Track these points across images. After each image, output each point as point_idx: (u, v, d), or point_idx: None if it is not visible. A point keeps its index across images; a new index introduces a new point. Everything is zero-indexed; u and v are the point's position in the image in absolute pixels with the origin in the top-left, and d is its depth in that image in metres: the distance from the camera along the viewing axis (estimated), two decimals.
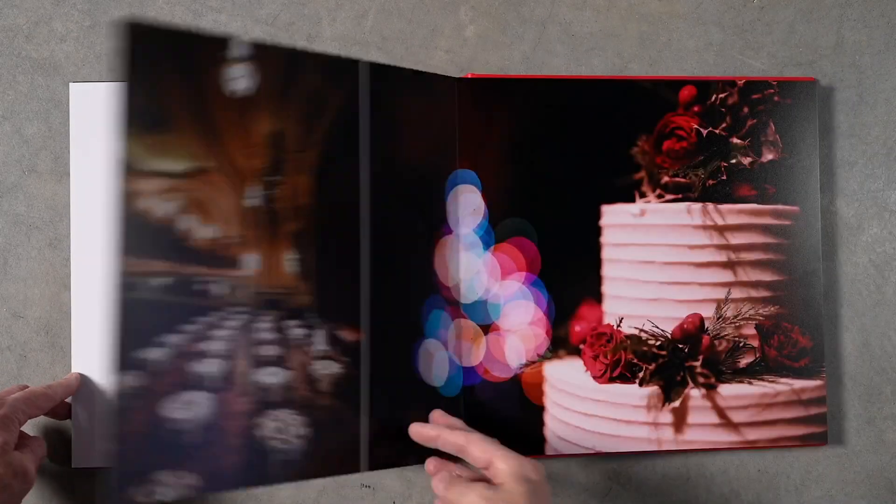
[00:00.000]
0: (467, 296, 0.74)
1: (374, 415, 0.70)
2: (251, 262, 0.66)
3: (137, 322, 0.61)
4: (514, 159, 0.74)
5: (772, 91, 0.76)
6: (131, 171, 0.61)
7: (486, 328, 0.74)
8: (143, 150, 0.61)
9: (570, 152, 0.75)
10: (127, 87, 0.60)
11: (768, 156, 0.76)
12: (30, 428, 0.72)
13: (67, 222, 0.74)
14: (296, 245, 0.67)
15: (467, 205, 0.74)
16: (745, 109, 0.76)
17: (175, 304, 0.63)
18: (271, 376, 0.66)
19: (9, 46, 0.75)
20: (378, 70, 0.71)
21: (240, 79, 0.65)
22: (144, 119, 0.60)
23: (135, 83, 0.60)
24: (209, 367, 0.64)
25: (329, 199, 0.69)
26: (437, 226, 0.73)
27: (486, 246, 0.74)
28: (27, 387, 0.68)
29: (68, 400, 0.72)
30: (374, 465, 0.70)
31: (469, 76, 0.75)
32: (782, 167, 0.76)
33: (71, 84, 0.74)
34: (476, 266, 0.74)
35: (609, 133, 0.75)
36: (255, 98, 0.65)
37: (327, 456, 0.67)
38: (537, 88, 0.75)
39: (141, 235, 0.61)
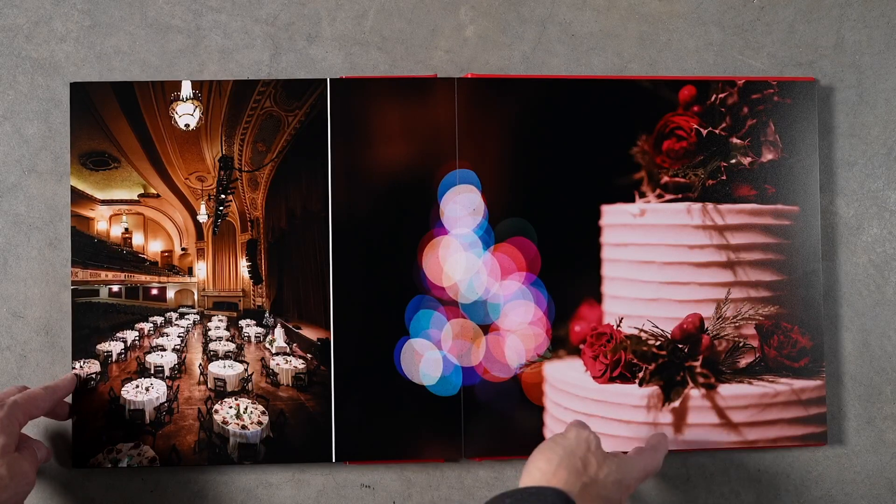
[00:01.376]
0: (467, 296, 0.74)
1: (343, 409, 0.73)
2: (203, 270, 0.75)
3: (96, 320, 0.72)
4: (514, 159, 0.75)
5: (771, 91, 0.76)
6: (84, 200, 0.74)
7: (486, 328, 0.74)
8: (92, 186, 0.74)
9: (569, 152, 0.75)
10: (72, 136, 0.73)
11: (768, 156, 0.76)
12: (30, 429, 0.72)
13: (67, 222, 0.74)
14: (249, 253, 0.74)
15: (467, 205, 0.74)
16: (745, 109, 0.76)
17: (130, 306, 0.74)
18: (227, 368, 0.74)
19: (9, 46, 0.75)
20: (345, 84, 0.74)
21: (186, 115, 0.73)
22: (93, 160, 0.73)
23: (81, 132, 0.73)
24: (165, 359, 0.74)
25: (288, 210, 0.74)
26: (425, 227, 0.73)
27: (486, 246, 0.74)
28: (27, 387, 0.68)
29: (67, 400, 0.72)
30: (346, 457, 0.73)
31: (469, 76, 0.75)
32: (782, 167, 0.76)
33: (71, 83, 0.74)
34: (476, 266, 0.74)
35: (609, 133, 0.75)
36: (204, 129, 0.74)
37: (292, 444, 0.73)
38: (537, 88, 0.75)
39: (97, 250, 0.74)
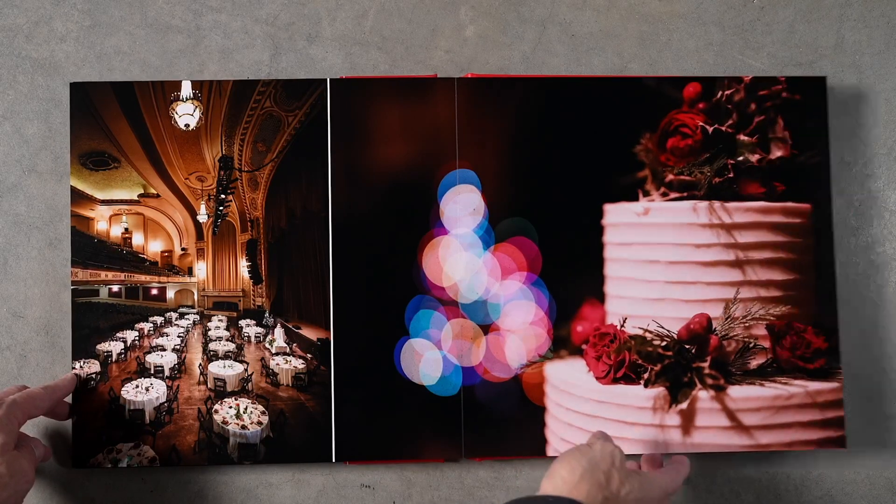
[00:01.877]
0: (467, 296, 0.73)
1: (343, 409, 0.73)
2: (203, 270, 0.75)
3: (96, 320, 0.73)
4: (515, 159, 0.74)
5: (780, 87, 0.75)
6: (84, 200, 0.74)
7: (486, 328, 0.74)
8: (92, 186, 0.73)
9: (571, 151, 0.75)
10: (72, 136, 0.73)
11: (777, 153, 0.74)
12: (30, 429, 0.72)
13: (67, 222, 0.74)
14: (249, 253, 0.74)
15: (467, 204, 0.74)
16: (753, 106, 0.75)
17: (130, 306, 0.74)
18: (227, 368, 0.74)
19: (9, 46, 0.75)
20: (345, 84, 0.74)
21: (186, 115, 0.73)
22: (93, 160, 0.73)
23: (81, 132, 0.73)
24: (165, 359, 0.74)
25: (288, 210, 0.74)
26: (425, 227, 0.73)
27: (486, 246, 0.74)
28: (27, 387, 0.68)
29: (67, 400, 0.72)
30: (346, 457, 0.73)
31: (469, 76, 0.75)
32: (792, 164, 0.74)
33: (71, 83, 0.74)
34: (476, 266, 0.74)
35: (611, 131, 0.75)
36: (204, 129, 0.74)
37: (292, 444, 0.73)
38: (537, 88, 0.75)
39: (97, 250, 0.74)
